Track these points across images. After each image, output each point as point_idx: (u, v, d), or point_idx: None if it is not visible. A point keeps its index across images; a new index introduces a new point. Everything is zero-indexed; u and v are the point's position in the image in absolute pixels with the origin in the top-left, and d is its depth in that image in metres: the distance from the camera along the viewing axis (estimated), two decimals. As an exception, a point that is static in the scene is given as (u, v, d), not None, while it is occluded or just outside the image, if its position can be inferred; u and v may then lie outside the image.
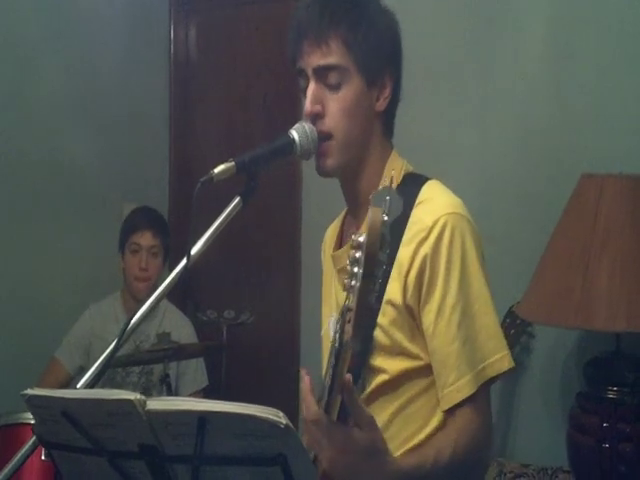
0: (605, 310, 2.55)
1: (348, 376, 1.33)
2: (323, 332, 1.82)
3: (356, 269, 1.18)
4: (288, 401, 3.67)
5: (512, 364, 1.58)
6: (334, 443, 1.36)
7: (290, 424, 1.17)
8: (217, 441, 1.19)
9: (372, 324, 1.59)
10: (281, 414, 1.17)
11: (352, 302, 1.19)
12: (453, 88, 3.29)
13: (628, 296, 2.54)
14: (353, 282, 1.19)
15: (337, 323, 1.68)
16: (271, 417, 1.15)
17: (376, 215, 1.15)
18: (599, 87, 3.05)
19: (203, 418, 1.18)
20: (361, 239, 1.16)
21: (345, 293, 1.53)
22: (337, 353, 1.28)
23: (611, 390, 2.70)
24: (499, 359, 1.56)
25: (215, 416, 1.18)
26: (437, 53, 3.15)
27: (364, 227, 1.17)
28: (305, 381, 1.40)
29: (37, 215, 3.76)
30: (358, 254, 1.17)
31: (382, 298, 1.58)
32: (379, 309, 1.58)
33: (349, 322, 1.21)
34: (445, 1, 3.39)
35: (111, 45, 4.06)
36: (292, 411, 1.85)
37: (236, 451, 1.20)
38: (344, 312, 1.24)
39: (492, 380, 1.57)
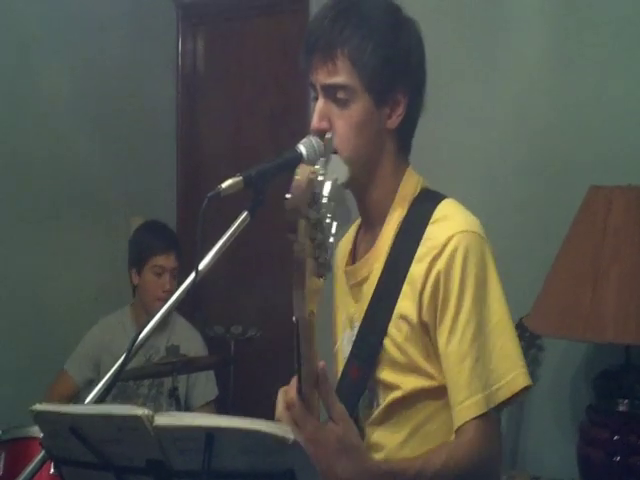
0: (614, 322, 2.54)
1: (323, 363, 1.32)
2: (336, 349, 1.81)
3: None
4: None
5: (527, 382, 1.53)
6: (304, 432, 1.32)
7: (298, 439, 1.16)
8: (225, 457, 1.19)
9: (379, 335, 1.58)
10: (289, 429, 1.16)
11: None
12: (456, 97, 3.29)
13: (638, 308, 2.53)
14: None
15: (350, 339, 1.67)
16: (279, 433, 1.15)
17: (305, 172, 1.17)
18: (607, 97, 3.04)
19: (211, 434, 1.17)
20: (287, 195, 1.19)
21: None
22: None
23: (621, 403, 2.69)
24: (512, 379, 1.52)
25: (223, 432, 1.17)
26: (439, 56, 3.13)
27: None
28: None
29: (43, 226, 3.78)
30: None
31: (392, 311, 1.57)
32: (389, 320, 1.57)
33: None
34: (446, 2, 3.40)
35: (118, 57, 4.08)
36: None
37: (244, 467, 1.19)
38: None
39: (506, 402, 1.53)
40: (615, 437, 2.66)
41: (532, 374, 3.10)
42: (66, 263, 3.85)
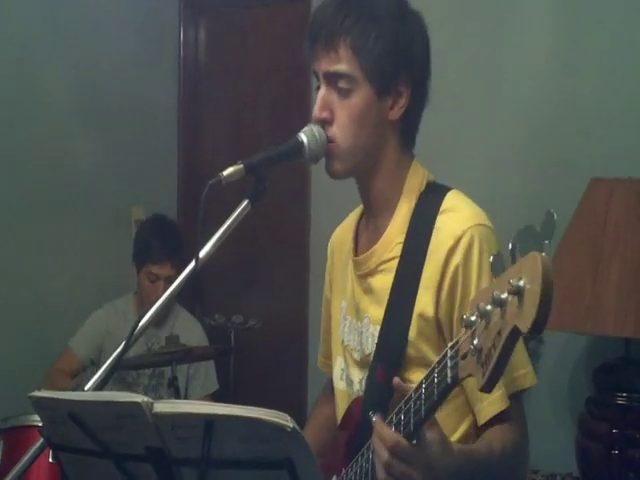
0: (614, 315, 2.54)
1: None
2: (336, 337, 1.79)
3: (491, 308, 1.09)
4: (296, 405, 3.67)
5: (535, 381, 1.57)
6: (421, 464, 1.31)
7: (297, 428, 1.16)
8: (224, 444, 1.19)
9: (402, 337, 1.57)
10: (288, 417, 1.16)
11: (485, 345, 1.11)
12: (458, 91, 3.29)
13: (638, 301, 2.53)
14: (479, 320, 1.12)
15: (361, 329, 1.66)
16: (278, 420, 1.15)
17: (548, 264, 1.02)
18: (607, 91, 3.04)
19: (210, 421, 1.17)
20: (520, 283, 1.04)
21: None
22: (445, 388, 1.23)
23: (620, 396, 2.69)
24: (524, 374, 1.56)
25: (222, 419, 1.17)
26: (442, 55, 3.14)
27: (522, 270, 1.05)
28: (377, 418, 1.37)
29: (44, 216, 3.77)
30: (504, 295, 1.06)
31: (412, 311, 1.57)
32: (410, 320, 1.57)
33: (466, 360, 1.16)
34: (450, 3, 3.39)
35: (120, 46, 4.07)
36: (300, 415, 1.84)
37: (243, 454, 1.20)
38: (458, 347, 1.19)
39: (518, 394, 1.56)
40: (614, 430, 2.66)
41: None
42: (66, 252, 3.86)
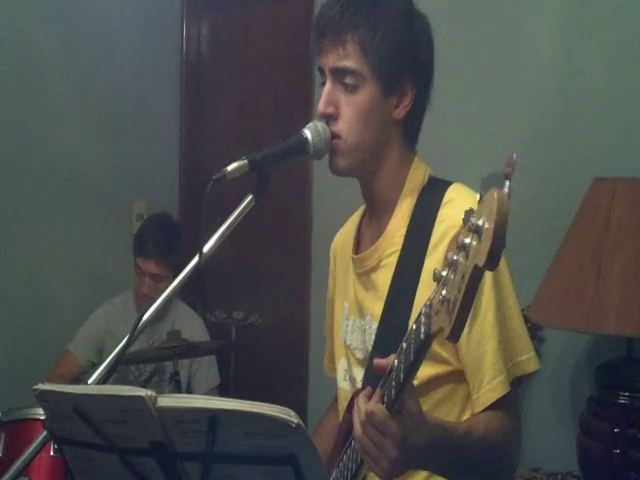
0: (616, 315, 2.54)
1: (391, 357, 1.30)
2: (338, 338, 1.79)
3: (457, 257, 1.06)
4: (297, 402, 3.67)
5: (538, 366, 1.57)
6: (396, 434, 1.27)
7: (302, 423, 1.16)
8: (228, 439, 1.19)
9: (401, 331, 1.56)
10: (292, 413, 1.16)
11: (451, 293, 1.07)
12: (461, 90, 3.29)
13: (640, 301, 2.52)
14: (446, 273, 1.10)
15: (362, 327, 1.66)
16: (283, 416, 1.15)
17: (504, 197, 1.01)
18: (611, 90, 3.04)
19: (214, 416, 1.17)
20: (480, 222, 1.01)
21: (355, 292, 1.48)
22: (419, 346, 1.20)
23: (622, 395, 2.68)
24: (527, 359, 1.55)
25: (226, 414, 1.17)
26: (445, 52, 3.14)
27: (482, 210, 1.03)
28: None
29: (45, 211, 3.77)
30: (468, 239, 1.04)
31: (412, 304, 1.55)
32: (409, 314, 1.55)
33: (438, 314, 1.12)
34: (454, 1, 3.39)
35: (123, 43, 4.07)
36: (301, 411, 1.84)
37: (247, 450, 1.19)
38: (431, 302, 1.16)
39: (519, 380, 1.55)
40: (615, 429, 2.65)
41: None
42: (67, 247, 3.85)
